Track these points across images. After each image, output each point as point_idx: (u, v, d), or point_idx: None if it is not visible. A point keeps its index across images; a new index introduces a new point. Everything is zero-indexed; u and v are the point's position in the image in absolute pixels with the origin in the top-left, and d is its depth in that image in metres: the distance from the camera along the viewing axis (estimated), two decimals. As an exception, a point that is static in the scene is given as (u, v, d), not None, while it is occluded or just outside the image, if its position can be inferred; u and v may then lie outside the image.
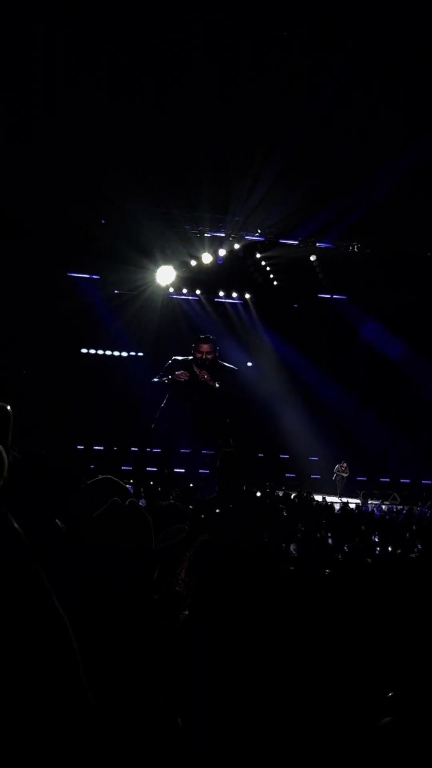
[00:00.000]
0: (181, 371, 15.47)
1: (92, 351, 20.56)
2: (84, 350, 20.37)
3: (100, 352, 20.68)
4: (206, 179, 14.29)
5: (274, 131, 12.76)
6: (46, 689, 0.82)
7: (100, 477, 2.30)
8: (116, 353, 20.82)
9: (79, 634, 1.19)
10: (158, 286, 19.19)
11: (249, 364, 22.10)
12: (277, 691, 1.39)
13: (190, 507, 6.59)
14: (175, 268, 18.69)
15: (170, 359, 14.38)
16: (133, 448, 18.67)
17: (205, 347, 14.73)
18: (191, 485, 15.66)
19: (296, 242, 18.50)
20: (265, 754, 1.08)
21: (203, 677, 1.09)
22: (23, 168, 13.17)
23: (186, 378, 15.35)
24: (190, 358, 14.26)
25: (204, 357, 14.36)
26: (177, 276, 19.01)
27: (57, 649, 0.85)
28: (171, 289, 19.73)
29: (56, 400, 17.35)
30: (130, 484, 6.75)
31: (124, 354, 20.78)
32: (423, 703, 1.34)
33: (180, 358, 15.07)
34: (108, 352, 20.79)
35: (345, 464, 19.19)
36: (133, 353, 20.62)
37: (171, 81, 11.28)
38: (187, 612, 1.47)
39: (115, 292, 19.66)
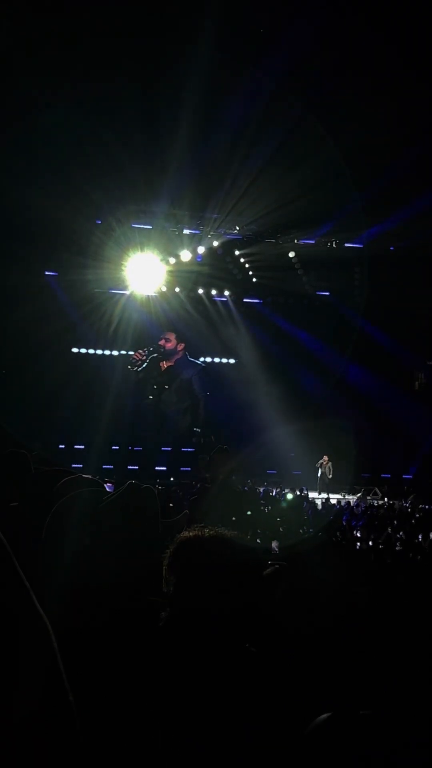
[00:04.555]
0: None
1: (83, 350, 20.42)
2: (75, 350, 20.21)
3: (91, 351, 20.55)
4: (186, 177, 14.25)
5: (253, 128, 12.76)
6: (24, 690, 0.82)
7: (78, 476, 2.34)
8: (99, 352, 20.68)
9: (75, 637, 1.18)
10: (138, 284, 19.11)
11: (219, 360, 22.15)
12: (272, 690, 1.39)
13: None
14: (154, 266, 18.62)
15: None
16: (114, 447, 18.56)
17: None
18: (171, 479, 15.69)
19: (274, 240, 18.56)
20: (261, 753, 1.08)
21: (197, 676, 1.09)
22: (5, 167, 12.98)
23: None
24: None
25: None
26: (156, 274, 18.93)
27: (34, 649, 0.85)
28: (150, 287, 19.61)
29: (45, 399, 17.19)
30: (111, 482, 6.73)
31: (114, 353, 20.66)
32: (422, 701, 1.34)
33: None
34: (92, 351, 20.65)
35: (330, 463, 19.14)
36: (115, 352, 20.53)
37: (154, 80, 11.26)
38: (169, 610, 1.45)
39: (96, 291, 19.53)
